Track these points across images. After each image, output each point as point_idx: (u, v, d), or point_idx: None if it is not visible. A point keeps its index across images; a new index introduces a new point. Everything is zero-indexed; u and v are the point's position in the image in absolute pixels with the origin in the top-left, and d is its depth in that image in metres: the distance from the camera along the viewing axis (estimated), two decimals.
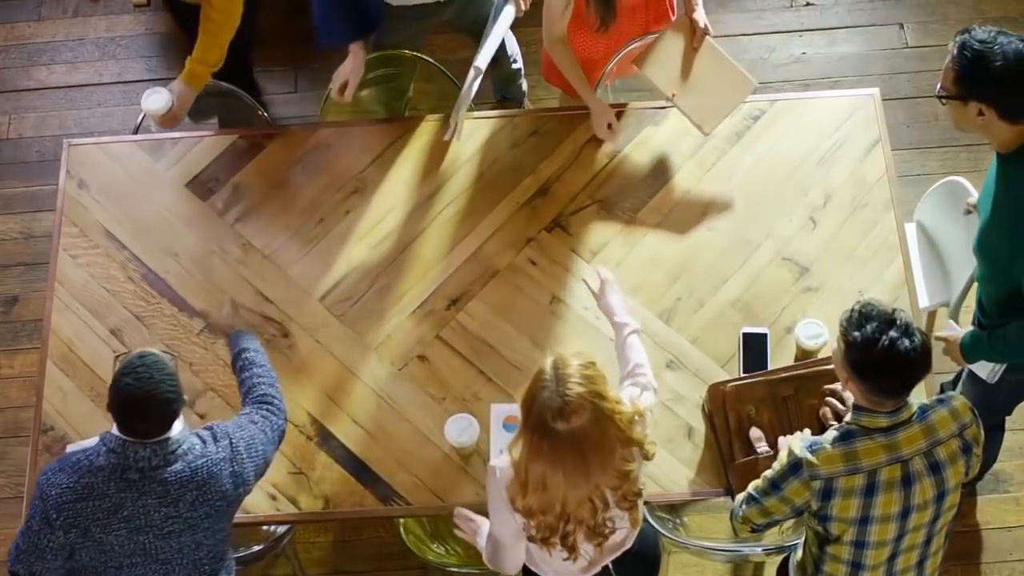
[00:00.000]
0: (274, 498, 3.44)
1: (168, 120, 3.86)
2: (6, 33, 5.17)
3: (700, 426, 3.46)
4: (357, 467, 3.46)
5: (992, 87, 2.98)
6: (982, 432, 2.92)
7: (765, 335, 3.55)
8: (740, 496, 3.04)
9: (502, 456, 2.86)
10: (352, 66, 3.91)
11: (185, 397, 2.94)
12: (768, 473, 2.94)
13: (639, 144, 3.87)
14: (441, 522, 3.68)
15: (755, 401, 3.39)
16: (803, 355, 3.50)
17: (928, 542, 2.94)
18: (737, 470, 3.29)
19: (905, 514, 2.85)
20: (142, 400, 2.83)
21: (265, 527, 3.63)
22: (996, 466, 4.07)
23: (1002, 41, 2.95)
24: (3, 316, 4.59)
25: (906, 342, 2.73)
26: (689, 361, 3.55)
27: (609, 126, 3.83)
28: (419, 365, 3.58)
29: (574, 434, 2.67)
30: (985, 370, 3.48)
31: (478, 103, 4.07)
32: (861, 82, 4.75)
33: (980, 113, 3.01)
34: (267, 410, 3.14)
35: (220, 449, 2.96)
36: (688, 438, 3.45)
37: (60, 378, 3.60)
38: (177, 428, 2.92)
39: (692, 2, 3.82)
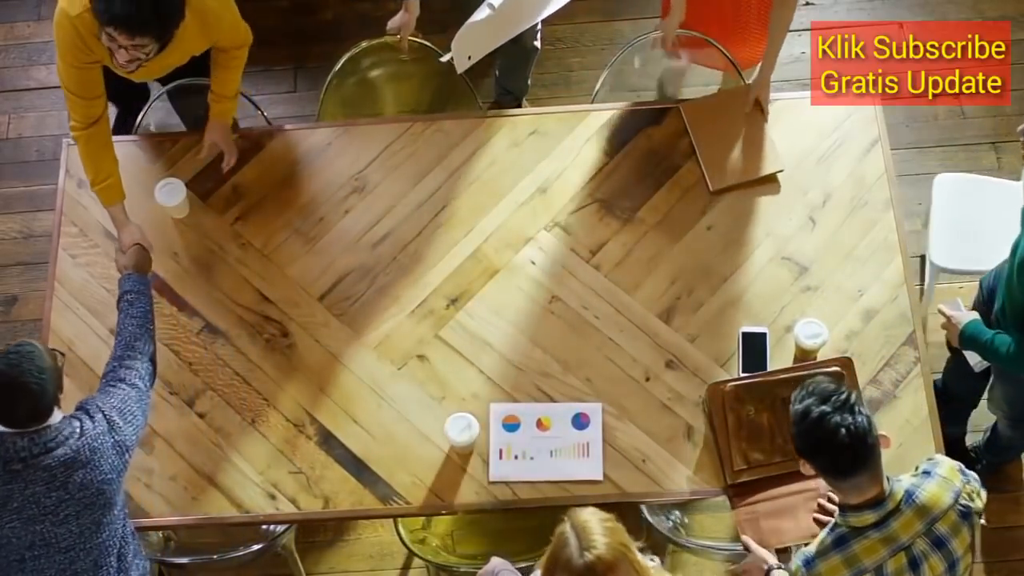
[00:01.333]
0: (274, 498, 3.44)
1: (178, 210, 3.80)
2: (6, 33, 5.16)
3: (700, 426, 3.46)
4: (357, 467, 3.46)
5: None
6: (979, 486, 2.88)
7: (764, 334, 3.55)
8: None
9: None
10: (403, 20, 4.00)
11: (60, 395, 2.95)
12: None
13: (639, 144, 3.87)
14: (439, 520, 3.68)
15: (754, 401, 3.40)
16: (802, 355, 3.51)
17: None
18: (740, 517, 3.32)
19: None
20: (6, 387, 2.85)
21: (264, 527, 3.63)
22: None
23: None
24: (3, 316, 4.59)
25: (836, 418, 2.70)
26: (689, 360, 3.55)
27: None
28: (419, 365, 3.58)
29: None
30: (974, 359, 3.48)
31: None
32: None
33: None
34: (129, 359, 3.15)
35: (96, 424, 2.97)
36: (688, 438, 3.45)
37: None
38: (56, 417, 2.93)
39: (764, 79, 3.85)
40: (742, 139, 3.82)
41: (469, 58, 3.89)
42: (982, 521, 2.93)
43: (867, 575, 2.78)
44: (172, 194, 3.77)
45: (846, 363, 3.45)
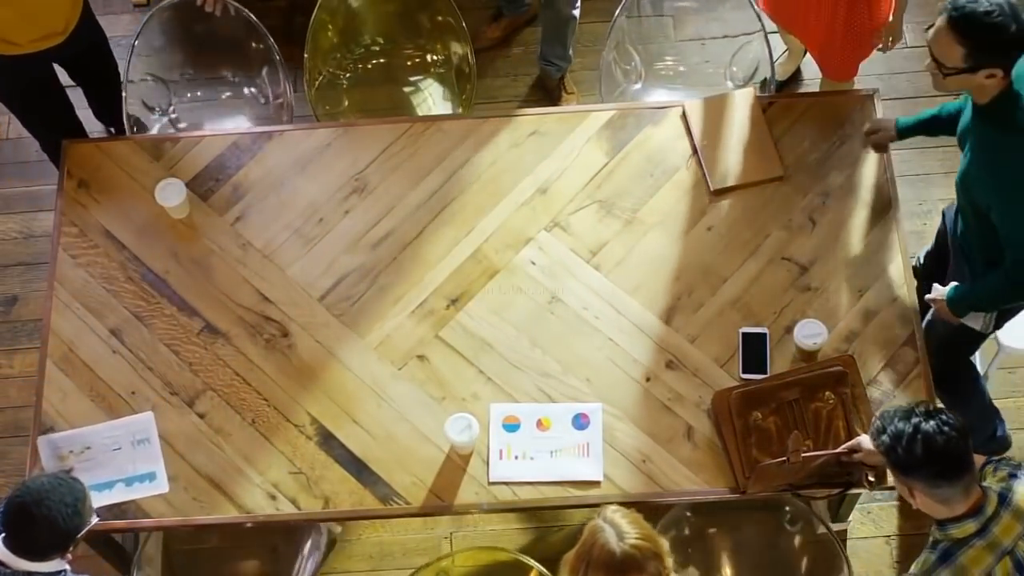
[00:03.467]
0: (274, 498, 3.44)
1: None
2: None
3: (699, 426, 3.46)
4: (357, 467, 3.47)
5: (1010, 51, 2.97)
6: None
7: (764, 335, 3.55)
8: None
9: None
10: None
11: (72, 548, 2.95)
12: None
13: (639, 144, 3.87)
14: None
15: (760, 407, 3.39)
16: (802, 355, 3.50)
17: None
18: (758, 475, 3.30)
19: None
20: (33, 516, 2.87)
21: None
22: None
23: (999, 3, 2.94)
24: (3, 316, 4.59)
25: (932, 423, 2.70)
26: (689, 361, 3.55)
27: None
28: (419, 365, 3.58)
29: None
30: (979, 322, 3.47)
31: (497, 99, 4.06)
32: (860, 81, 4.74)
33: (990, 76, 3.01)
34: None
35: None
36: (687, 438, 3.45)
37: (60, 378, 3.60)
38: (54, 566, 2.92)
39: (896, 22, 3.87)
40: (744, 141, 3.82)
41: None
42: None
43: None
44: (172, 194, 3.77)
45: (848, 361, 3.45)
